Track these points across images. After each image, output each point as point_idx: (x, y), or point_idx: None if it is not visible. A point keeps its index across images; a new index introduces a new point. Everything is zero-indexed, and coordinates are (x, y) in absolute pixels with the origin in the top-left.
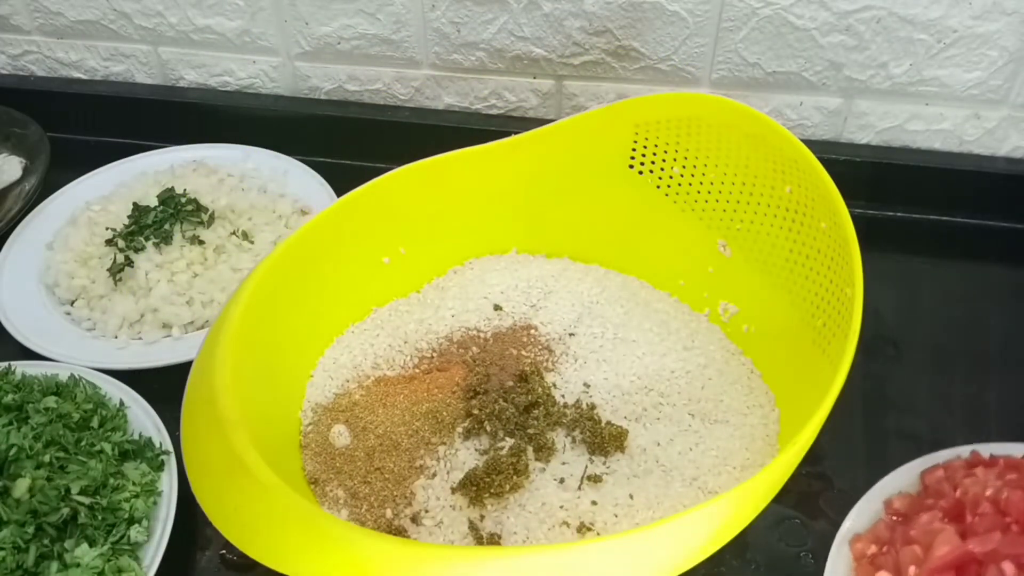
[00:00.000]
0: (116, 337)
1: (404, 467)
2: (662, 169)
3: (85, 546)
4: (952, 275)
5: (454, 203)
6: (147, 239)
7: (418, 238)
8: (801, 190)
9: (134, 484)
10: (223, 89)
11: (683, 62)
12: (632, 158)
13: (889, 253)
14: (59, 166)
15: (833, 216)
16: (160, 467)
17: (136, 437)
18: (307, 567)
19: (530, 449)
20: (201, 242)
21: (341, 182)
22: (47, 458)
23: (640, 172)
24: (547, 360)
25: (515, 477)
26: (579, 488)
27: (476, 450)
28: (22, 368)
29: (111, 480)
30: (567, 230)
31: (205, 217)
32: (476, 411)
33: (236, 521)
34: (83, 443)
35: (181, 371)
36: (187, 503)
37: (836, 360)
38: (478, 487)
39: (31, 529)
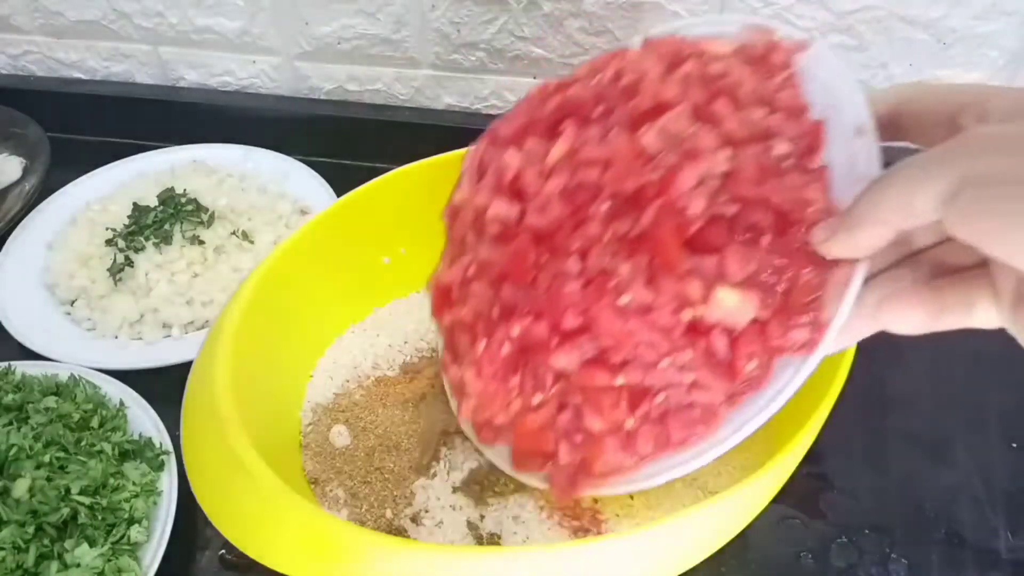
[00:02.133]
0: (116, 337)
1: (404, 467)
2: None
3: (85, 546)
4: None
5: None
6: (147, 239)
7: (418, 238)
8: None
9: (134, 484)
10: (223, 89)
11: None
12: None
13: None
14: (59, 166)
15: None
16: (160, 467)
17: (136, 437)
18: (307, 567)
19: None
20: (201, 242)
21: (341, 182)
22: (47, 458)
23: None
24: None
25: None
26: None
27: (476, 450)
28: (22, 368)
29: (111, 480)
30: None
31: (205, 217)
32: None
33: (236, 521)
34: (83, 443)
35: (181, 371)
36: (187, 503)
37: (836, 360)
38: (481, 486)
39: (31, 529)
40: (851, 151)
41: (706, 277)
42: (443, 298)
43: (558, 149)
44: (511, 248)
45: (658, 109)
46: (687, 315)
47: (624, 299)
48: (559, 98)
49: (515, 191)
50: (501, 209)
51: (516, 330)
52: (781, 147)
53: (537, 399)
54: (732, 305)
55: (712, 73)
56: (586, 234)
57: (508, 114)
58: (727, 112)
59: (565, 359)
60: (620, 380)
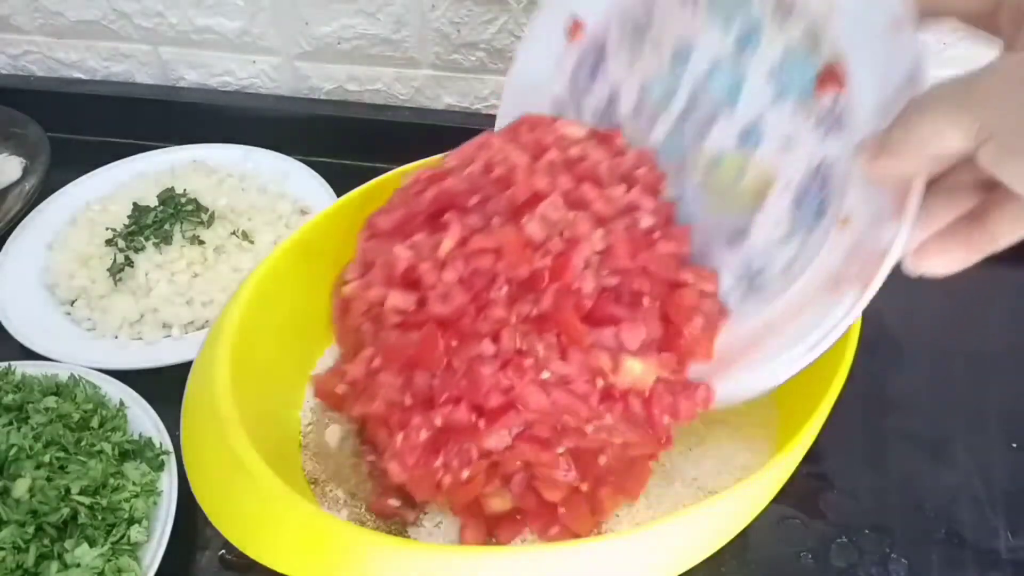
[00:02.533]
0: (116, 337)
1: None
2: None
3: (85, 546)
4: (953, 274)
5: None
6: (147, 239)
7: None
8: None
9: (134, 484)
10: (223, 89)
11: None
12: None
13: None
14: (59, 166)
15: None
16: (160, 467)
17: (136, 437)
18: (307, 567)
19: None
20: (201, 242)
21: (341, 182)
22: (47, 458)
23: None
24: None
25: None
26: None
27: None
28: (22, 368)
29: (111, 480)
30: None
31: (205, 217)
32: None
33: (236, 521)
34: (83, 443)
35: (181, 371)
36: (187, 503)
37: (836, 360)
38: None
39: (31, 529)
40: (887, 51)
41: (609, 348)
42: (334, 397)
43: (448, 242)
44: (418, 337)
45: (534, 199)
46: (599, 383)
47: (545, 374)
48: (435, 190)
49: (409, 282)
50: (398, 301)
51: (438, 420)
52: (646, 220)
53: (465, 474)
54: (638, 372)
55: (572, 157)
56: (492, 317)
57: (384, 207)
58: (593, 195)
59: (495, 439)
60: (560, 449)
